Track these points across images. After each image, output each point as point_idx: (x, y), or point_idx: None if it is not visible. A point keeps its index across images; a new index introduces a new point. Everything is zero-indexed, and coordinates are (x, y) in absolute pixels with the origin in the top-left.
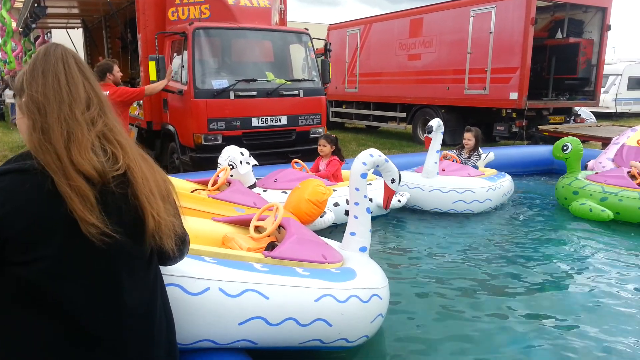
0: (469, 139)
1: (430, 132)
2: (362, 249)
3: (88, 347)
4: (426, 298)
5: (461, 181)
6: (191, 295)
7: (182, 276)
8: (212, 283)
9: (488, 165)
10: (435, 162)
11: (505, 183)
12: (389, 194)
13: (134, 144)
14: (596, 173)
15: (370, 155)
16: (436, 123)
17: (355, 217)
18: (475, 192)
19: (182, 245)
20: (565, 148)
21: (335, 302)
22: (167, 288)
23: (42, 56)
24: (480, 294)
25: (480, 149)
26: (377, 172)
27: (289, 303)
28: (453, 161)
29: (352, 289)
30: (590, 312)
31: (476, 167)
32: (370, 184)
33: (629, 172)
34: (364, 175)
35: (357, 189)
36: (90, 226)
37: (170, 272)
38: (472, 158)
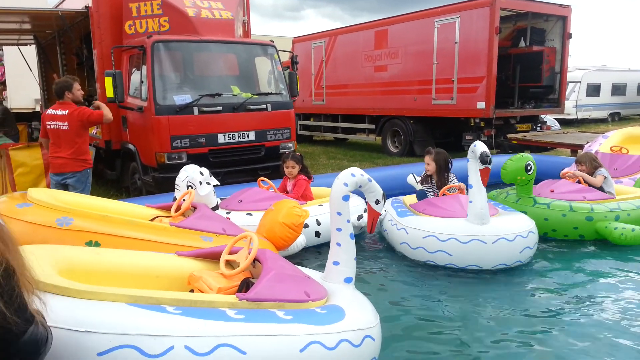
0: (427, 163)
1: (489, 163)
2: (347, 280)
3: None
4: (421, 331)
5: (514, 220)
6: (151, 358)
7: (138, 334)
8: (176, 340)
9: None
10: (487, 201)
11: None
12: (373, 216)
13: None
14: (551, 190)
15: (352, 175)
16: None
17: (338, 244)
18: (535, 233)
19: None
20: (529, 168)
21: (323, 350)
22: (120, 351)
23: None
24: (478, 318)
25: (450, 172)
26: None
27: (271, 356)
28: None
29: (342, 332)
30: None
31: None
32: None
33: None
34: (345, 198)
35: (338, 213)
36: None
37: (123, 331)
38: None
